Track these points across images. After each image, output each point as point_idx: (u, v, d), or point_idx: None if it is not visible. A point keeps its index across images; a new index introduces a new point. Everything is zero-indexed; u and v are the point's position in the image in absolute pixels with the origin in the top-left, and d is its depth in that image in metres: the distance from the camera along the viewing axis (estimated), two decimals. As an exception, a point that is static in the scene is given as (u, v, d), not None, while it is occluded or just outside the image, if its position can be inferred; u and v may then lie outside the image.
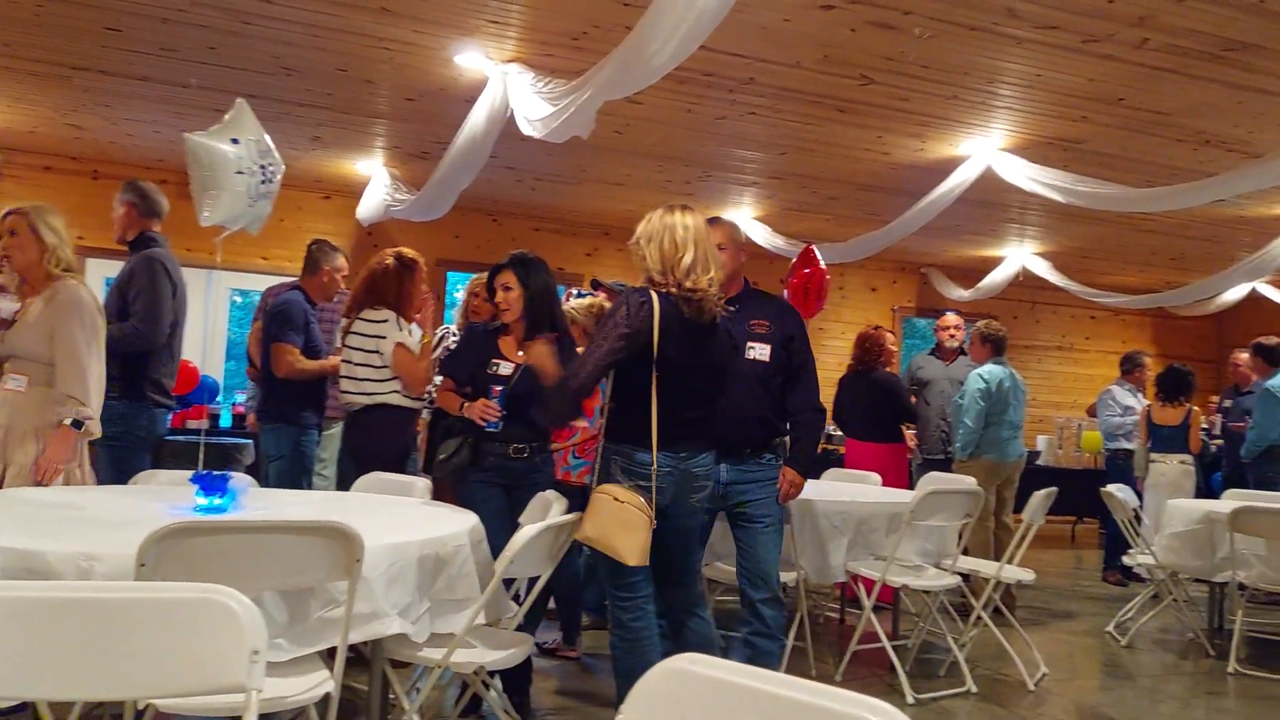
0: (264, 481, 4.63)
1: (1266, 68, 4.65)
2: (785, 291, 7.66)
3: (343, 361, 4.31)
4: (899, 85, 5.21)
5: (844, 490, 4.93)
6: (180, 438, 6.00)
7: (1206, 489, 7.96)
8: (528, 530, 2.74)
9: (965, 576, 5.12)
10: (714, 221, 3.71)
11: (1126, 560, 6.22)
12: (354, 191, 7.81)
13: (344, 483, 4.53)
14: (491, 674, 3.54)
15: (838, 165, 6.84)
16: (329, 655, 2.47)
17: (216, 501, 2.93)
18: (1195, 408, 7.41)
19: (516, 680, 3.69)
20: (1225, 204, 7.10)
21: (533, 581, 3.15)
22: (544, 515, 3.33)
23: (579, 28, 4.52)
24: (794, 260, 7.79)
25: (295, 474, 4.72)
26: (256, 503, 3.19)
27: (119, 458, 4.11)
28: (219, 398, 7.82)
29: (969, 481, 5.01)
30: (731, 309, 3.60)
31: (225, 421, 7.66)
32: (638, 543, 3.04)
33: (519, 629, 3.14)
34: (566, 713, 3.97)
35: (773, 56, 4.85)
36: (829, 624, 5.75)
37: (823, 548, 4.49)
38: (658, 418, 3.08)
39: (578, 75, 4.33)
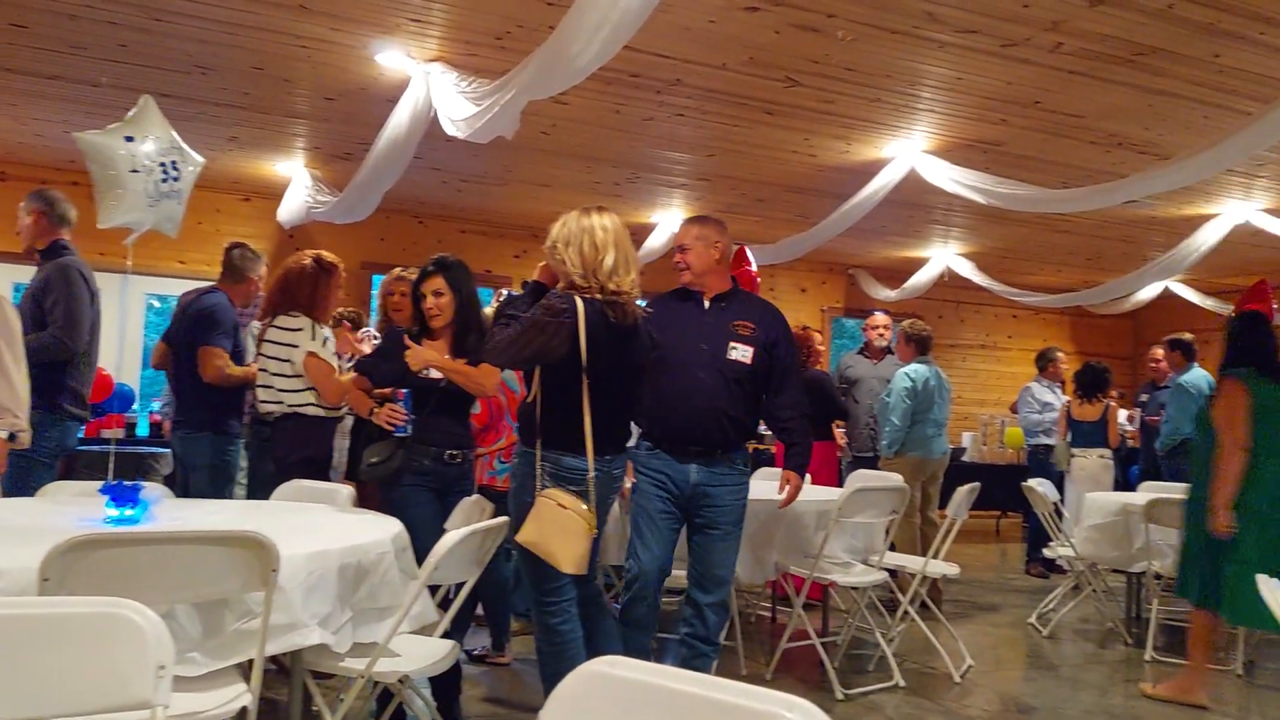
0: (184, 492, 4.50)
1: (1175, 72, 4.79)
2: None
3: (259, 370, 4.20)
4: (824, 88, 5.26)
5: (774, 489, 4.94)
6: (95, 447, 5.80)
7: (1125, 482, 8.20)
8: (452, 536, 2.70)
9: (893, 572, 5.19)
10: (693, 221, 3.77)
11: (1048, 553, 6.37)
12: (274, 193, 7.64)
13: (257, 493, 4.40)
14: (425, 683, 3.50)
15: (766, 167, 6.89)
16: (248, 668, 2.40)
17: (128, 512, 2.84)
18: (1113, 403, 7.63)
19: (446, 688, 3.63)
20: (1138, 205, 7.32)
21: (459, 588, 3.10)
22: (470, 520, 3.29)
23: (502, 27, 4.47)
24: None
25: (220, 484, 4.58)
26: (170, 513, 3.09)
27: (23, 470, 3.94)
28: (135, 405, 7.59)
29: (895, 479, 5.08)
30: (722, 305, 3.66)
31: (143, 430, 7.44)
32: (576, 550, 3.02)
33: (445, 636, 3.09)
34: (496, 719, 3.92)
35: (699, 58, 4.86)
36: (760, 623, 5.78)
37: (753, 546, 4.50)
38: (581, 421, 3.06)
39: (502, 75, 4.29)
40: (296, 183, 7.20)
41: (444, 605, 3.30)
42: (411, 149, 5.21)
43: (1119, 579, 6.39)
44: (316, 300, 4.22)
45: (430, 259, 3.79)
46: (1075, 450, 7.47)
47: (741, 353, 3.61)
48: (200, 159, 4.23)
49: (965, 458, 9.78)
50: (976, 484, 4.95)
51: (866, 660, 4.91)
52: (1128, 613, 6.12)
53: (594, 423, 3.09)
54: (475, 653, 4.57)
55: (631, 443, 3.58)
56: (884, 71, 5.00)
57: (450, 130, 4.58)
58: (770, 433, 8.04)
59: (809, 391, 6.51)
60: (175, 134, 3.70)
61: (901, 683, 4.52)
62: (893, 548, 5.41)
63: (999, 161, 6.37)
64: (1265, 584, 2.46)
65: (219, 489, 4.53)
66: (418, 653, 2.89)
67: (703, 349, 3.59)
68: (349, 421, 4.82)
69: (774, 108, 5.61)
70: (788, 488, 3.74)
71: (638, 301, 3.26)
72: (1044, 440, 7.91)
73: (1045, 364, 8.21)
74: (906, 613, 4.80)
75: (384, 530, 2.93)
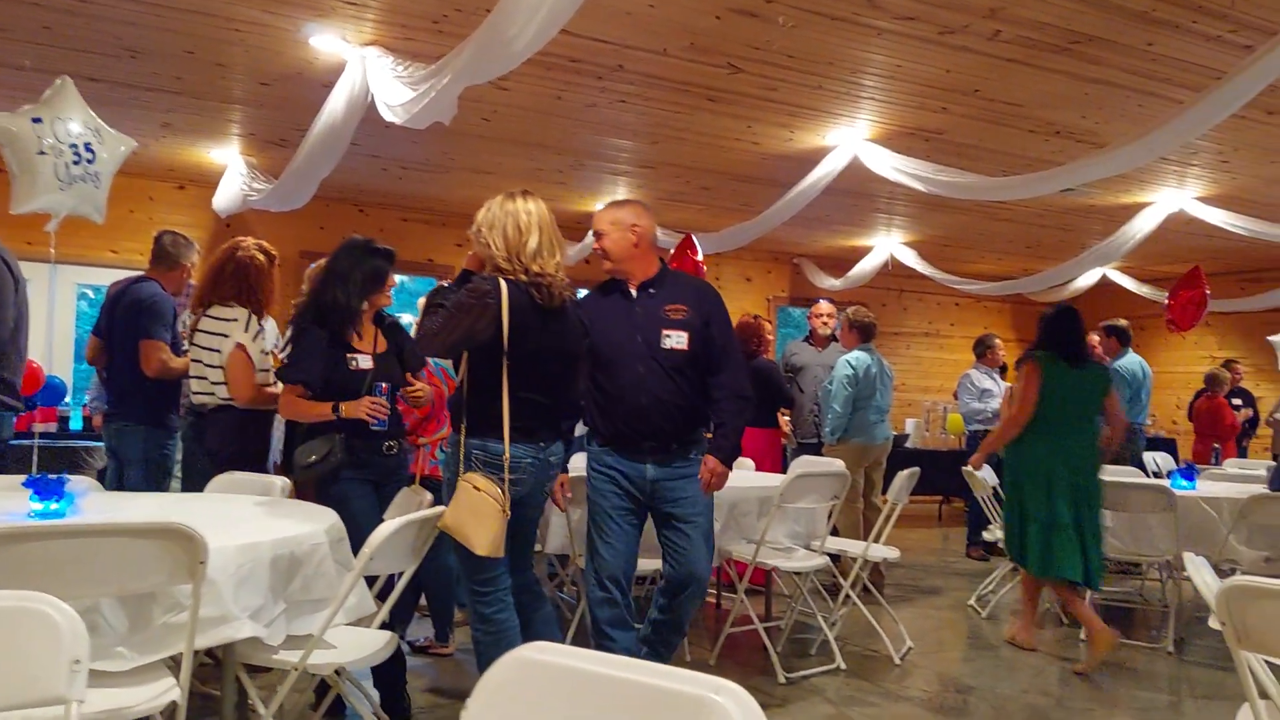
0: (119, 487, 4.39)
1: (1111, 60, 4.87)
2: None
3: (192, 360, 4.10)
4: (766, 75, 5.26)
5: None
6: (26, 441, 5.64)
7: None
8: (386, 526, 2.66)
9: (835, 557, 5.23)
10: (608, 206, 3.62)
11: (988, 536, 6.47)
12: (210, 181, 7.47)
13: (193, 486, 4.30)
14: (367, 675, 3.45)
15: (710, 155, 6.89)
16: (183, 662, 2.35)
17: (53, 506, 2.77)
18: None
19: (389, 679, 3.59)
20: (1075, 193, 7.45)
21: (397, 578, 3.06)
22: (408, 510, 3.25)
23: (439, 10, 4.41)
24: (673, 249, 7.84)
25: (155, 478, 4.47)
26: (98, 506, 3.01)
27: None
28: (68, 399, 7.39)
29: (837, 464, 5.12)
30: (651, 292, 3.52)
31: (76, 424, 7.26)
32: (489, 532, 3.00)
33: (385, 627, 3.05)
34: (439, 710, 3.89)
35: (640, 43, 4.83)
36: (704, 609, 5.80)
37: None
38: (513, 408, 3.04)
39: (439, 59, 4.23)
40: (232, 170, 7.05)
41: (384, 596, 3.27)
42: (348, 135, 5.12)
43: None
44: (253, 290, 4.13)
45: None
46: (1016, 435, 7.58)
47: (676, 339, 3.44)
48: (130, 141, 4.10)
49: (909, 444, 9.89)
50: (916, 469, 5.00)
51: (809, 644, 4.95)
52: (1065, 593, 6.23)
53: (525, 407, 3.08)
54: (418, 643, 4.53)
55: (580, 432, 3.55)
56: (825, 58, 5.01)
57: (387, 116, 4.51)
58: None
59: (756, 381, 6.58)
60: (93, 115, 3.58)
61: (843, 666, 4.56)
62: (836, 533, 5.46)
63: (940, 150, 6.44)
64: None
65: (154, 483, 4.43)
66: (354, 644, 2.85)
67: (636, 340, 3.45)
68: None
69: (716, 94, 5.60)
70: (704, 471, 3.51)
71: (577, 290, 3.23)
72: (984, 426, 8.03)
73: (983, 351, 8.33)
74: (848, 597, 4.84)
75: (318, 521, 2.89)
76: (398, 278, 4.30)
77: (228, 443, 4.01)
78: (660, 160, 7.12)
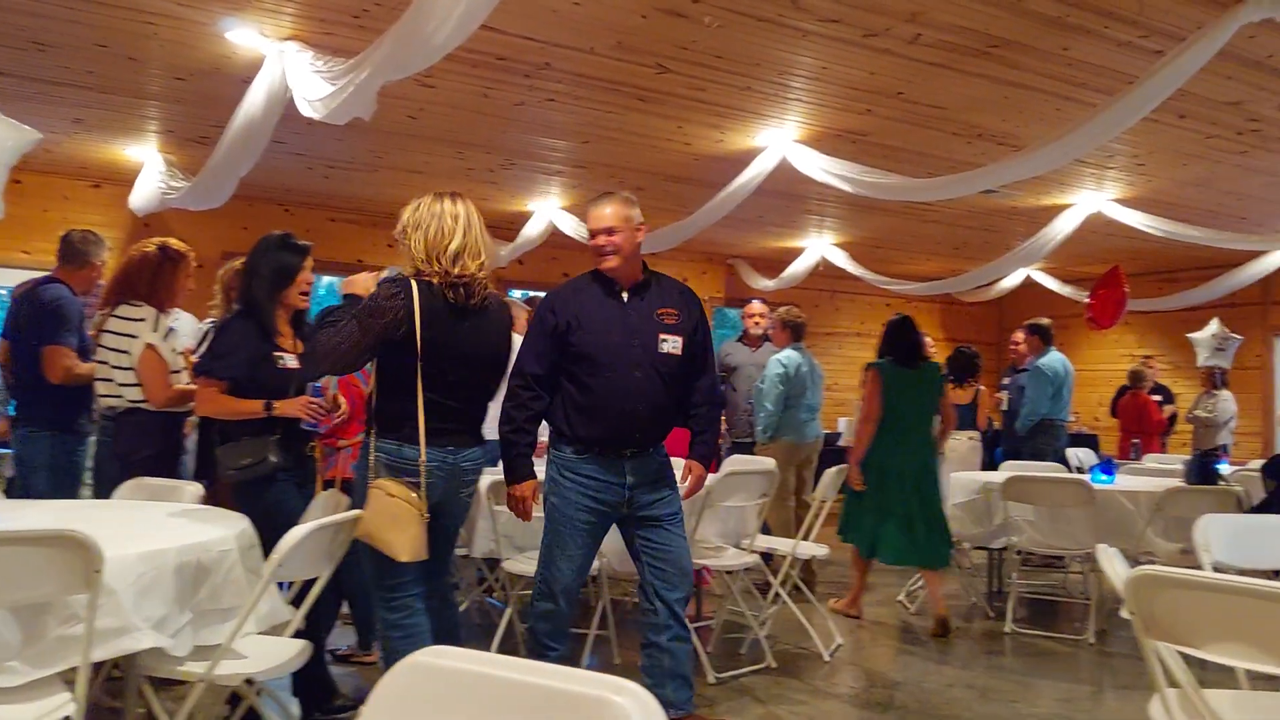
0: (26, 495, 4.22)
1: (1028, 65, 4.95)
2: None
3: (99, 362, 3.96)
4: (694, 75, 5.26)
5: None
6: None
7: (991, 463, 8.50)
8: (298, 531, 2.59)
9: (767, 556, 5.25)
10: (615, 200, 3.48)
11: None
12: (126, 179, 7.24)
13: (104, 493, 4.16)
14: (287, 685, 3.36)
15: (641, 155, 6.87)
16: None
17: (-57, 515, 2.65)
18: (983, 388, 7.91)
19: (312, 689, 3.51)
20: (998, 195, 7.58)
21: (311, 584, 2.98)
22: (329, 513, 3.17)
23: (359, 5, 4.32)
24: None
25: (64, 485, 4.32)
26: (-6, 514, 2.89)
27: None
28: (-23, 405, 7.11)
29: (767, 463, 5.13)
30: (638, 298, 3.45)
31: (-15, 431, 6.97)
32: (409, 537, 2.95)
33: (301, 635, 2.97)
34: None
35: (567, 41, 4.79)
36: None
37: (625, 534, 4.48)
38: (426, 411, 2.99)
39: (359, 54, 4.14)
40: (149, 168, 6.84)
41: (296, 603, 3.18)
42: (268, 132, 5.00)
43: (982, 555, 6.62)
44: (160, 289, 4.01)
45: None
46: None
47: (672, 344, 3.41)
48: (33, 132, 3.93)
49: (840, 442, 9.98)
50: (844, 465, 5.04)
51: (740, 644, 4.96)
52: (989, 587, 6.35)
53: (437, 411, 3.02)
54: (340, 651, 4.43)
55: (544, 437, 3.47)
56: (752, 59, 5.02)
57: (305, 111, 4.41)
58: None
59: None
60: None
61: (773, 664, 4.57)
62: (767, 531, 5.48)
63: (867, 152, 6.50)
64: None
65: (63, 490, 4.27)
66: (265, 653, 2.77)
67: (634, 345, 3.37)
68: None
69: (646, 94, 5.58)
70: (690, 478, 3.58)
71: (510, 291, 3.19)
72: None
73: (910, 348, 8.46)
74: (779, 595, 4.86)
75: (228, 527, 2.81)
76: (326, 279, 4.19)
77: (138, 446, 3.89)
78: (592, 160, 7.08)
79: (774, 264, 10.63)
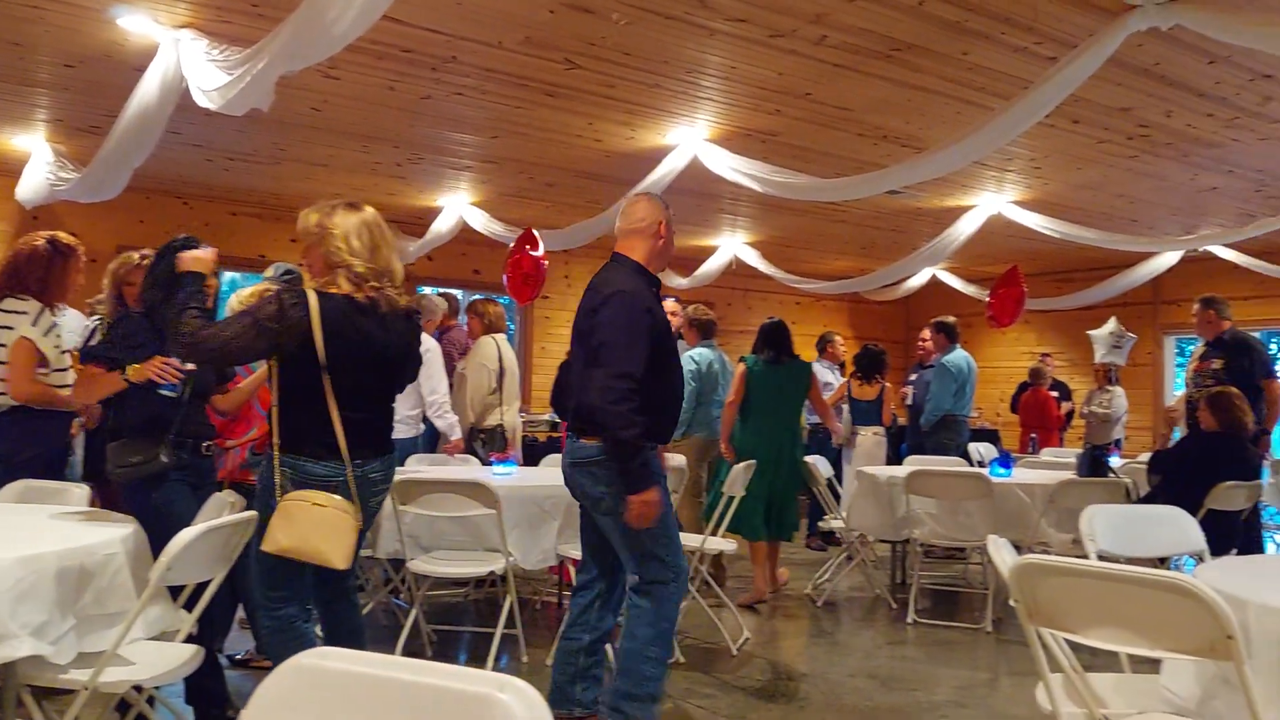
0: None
1: (928, 68, 5.07)
2: (504, 277, 7.62)
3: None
4: (603, 71, 5.25)
5: (554, 474, 4.92)
6: None
7: (896, 458, 8.70)
8: (188, 532, 2.51)
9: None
10: (665, 204, 3.56)
11: (823, 525, 6.66)
12: (12, 170, 6.93)
13: None
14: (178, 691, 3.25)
15: (552, 151, 6.84)
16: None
17: None
18: (888, 384, 8.09)
19: (205, 696, 3.41)
20: (903, 196, 7.75)
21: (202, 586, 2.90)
22: (219, 515, 3.08)
23: (259, -8, 4.22)
24: (512, 244, 7.75)
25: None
26: None
27: None
28: None
29: (677, 459, 5.16)
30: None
31: None
32: (344, 545, 2.88)
33: (194, 640, 2.88)
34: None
35: (473, 35, 4.74)
36: (547, 609, 5.76)
37: (533, 532, 4.48)
38: (328, 425, 2.90)
39: (257, 44, 4.03)
40: (37, 158, 6.57)
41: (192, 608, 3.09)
42: (163, 122, 4.83)
43: (886, 548, 6.76)
44: (49, 284, 3.85)
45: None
46: (856, 428, 7.87)
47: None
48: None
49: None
50: (752, 461, 5.10)
51: (650, 639, 4.97)
52: (893, 579, 6.49)
53: (338, 424, 2.93)
54: (239, 657, 4.32)
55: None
56: (661, 57, 5.04)
57: (201, 101, 4.27)
58: (555, 419, 8.12)
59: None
60: None
61: (681, 659, 4.60)
62: (679, 527, 5.51)
63: (776, 151, 6.58)
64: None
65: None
66: (154, 660, 2.68)
67: (675, 340, 3.58)
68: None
69: (555, 90, 5.56)
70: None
71: (421, 288, 3.13)
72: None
73: (824, 346, 8.73)
74: (688, 590, 4.88)
75: (114, 530, 2.71)
76: (228, 275, 4.06)
77: (20, 447, 3.73)
78: (502, 155, 7.03)
79: (687, 262, 10.69)
